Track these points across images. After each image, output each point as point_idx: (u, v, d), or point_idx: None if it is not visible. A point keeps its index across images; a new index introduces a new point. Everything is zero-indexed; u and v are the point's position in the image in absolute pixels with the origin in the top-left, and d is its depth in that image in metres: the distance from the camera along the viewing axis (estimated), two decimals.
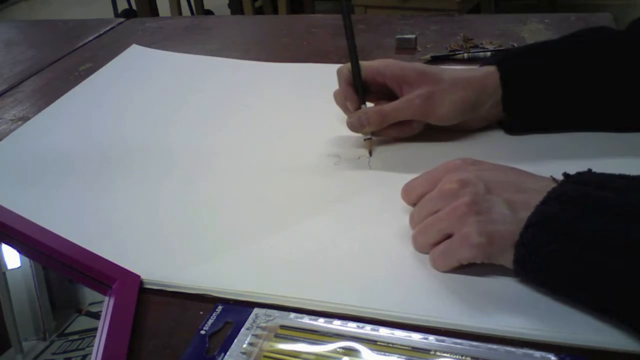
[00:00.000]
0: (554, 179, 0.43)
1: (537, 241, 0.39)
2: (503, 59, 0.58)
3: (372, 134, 0.60)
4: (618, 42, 0.57)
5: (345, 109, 0.60)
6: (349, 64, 0.59)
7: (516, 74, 0.57)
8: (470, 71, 0.59)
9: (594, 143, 0.57)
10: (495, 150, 0.57)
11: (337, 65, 0.61)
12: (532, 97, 0.57)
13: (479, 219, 0.42)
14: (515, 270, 0.41)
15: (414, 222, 0.47)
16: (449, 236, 0.43)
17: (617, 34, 0.59)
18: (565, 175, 0.42)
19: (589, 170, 0.43)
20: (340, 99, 0.61)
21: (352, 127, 0.59)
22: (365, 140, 0.60)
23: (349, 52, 0.59)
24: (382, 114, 0.58)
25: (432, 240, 0.44)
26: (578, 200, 0.39)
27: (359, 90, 0.59)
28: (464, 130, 0.60)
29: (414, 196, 0.48)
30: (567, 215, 0.39)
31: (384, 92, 0.60)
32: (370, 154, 0.59)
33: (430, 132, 0.61)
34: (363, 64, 0.59)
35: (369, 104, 0.60)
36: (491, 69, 0.58)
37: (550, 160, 0.55)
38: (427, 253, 0.45)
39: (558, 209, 0.39)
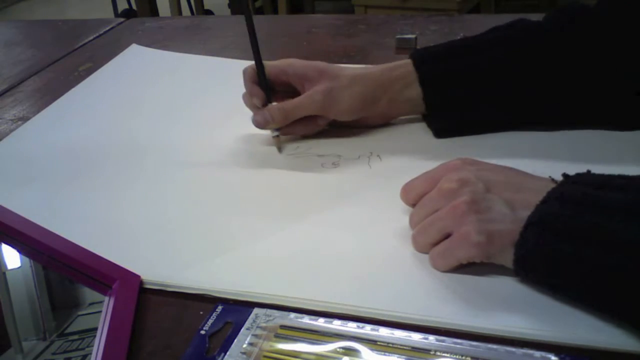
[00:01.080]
0: (552, 180, 0.44)
1: (537, 240, 0.39)
2: (422, 61, 0.60)
3: (280, 131, 0.62)
4: (534, 35, 0.58)
5: (253, 107, 0.62)
6: (253, 64, 0.61)
7: (436, 76, 0.59)
8: (370, 67, 0.62)
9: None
10: (500, 150, 0.57)
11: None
12: (453, 100, 0.59)
13: (478, 218, 0.42)
14: (516, 270, 0.41)
15: (413, 222, 0.47)
16: (448, 236, 0.43)
17: (533, 26, 0.59)
18: (565, 175, 0.42)
19: (588, 171, 0.43)
20: (247, 98, 0.62)
21: (257, 124, 0.61)
22: (273, 137, 0.62)
23: (252, 52, 0.60)
24: (284, 111, 0.60)
25: (431, 240, 0.44)
26: (578, 200, 0.39)
27: (263, 88, 0.61)
28: (365, 127, 0.63)
29: (413, 196, 0.49)
30: (567, 214, 0.39)
31: (290, 91, 0.62)
32: (280, 150, 0.62)
33: (433, 134, 0.61)
34: (267, 63, 0.61)
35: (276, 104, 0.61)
36: (397, 65, 0.60)
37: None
38: (427, 253, 0.45)
39: (558, 208, 0.39)
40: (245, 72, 0.62)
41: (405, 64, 0.60)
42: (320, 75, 0.60)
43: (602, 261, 0.37)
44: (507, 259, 0.41)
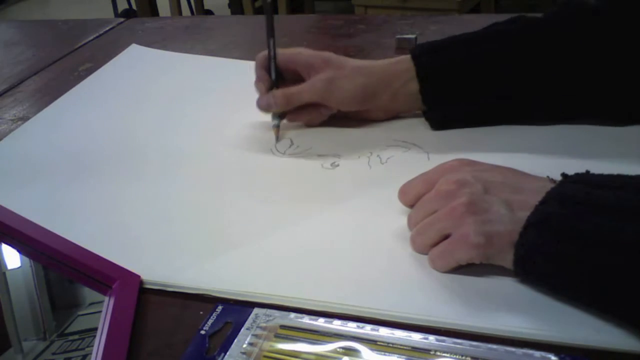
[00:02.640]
0: (550, 179, 0.43)
1: (537, 241, 0.39)
2: (421, 55, 0.61)
3: (284, 118, 0.64)
4: (535, 32, 0.59)
5: (259, 92, 0.64)
6: (266, 51, 0.63)
7: (434, 69, 0.60)
8: (376, 61, 0.63)
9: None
10: (502, 145, 0.57)
11: None
12: (450, 93, 0.60)
13: (477, 219, 0.42)
14: (515, 271, 0.41)
15: (411, 223, 0.47)
16: (446, 237, 0.43)
17: (533, 21, 0.60)
18: (564, 175, 0.42)
19: (587, 171, 0.43)
20: (256, 83, 0.64)
21: (260, 107, 0.63)
22: (273, 127, 0.63)
23: (266, 37, 0.62)
24: (286, 96, 0.62)
25: (430, 241, 0.44)
26: (577, 200, 0.39)
27: (271, 74, 0.63)
28: (368, 120, 0.64)
29: (411, 197, 0.48)
30: (566, 214, 0.39)
31: (299, 80, 0.63)
32: (277, 139, 0.63)
33: (432, 133, 0.61)
34: (277, 51, 0.63)
35: None
36: (401, 60, 0.61)
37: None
38: (425, 254, 0.45)
39: (557, 208, 0.39)
40: (257, 58, 0.64)
41: (407, 58, 0.61)
42: (325, 65, 0.61)
43: (602, 261, 0.37)
44: (506, 259, 0.41)
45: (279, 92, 0.62)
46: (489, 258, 0.42)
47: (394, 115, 0.64)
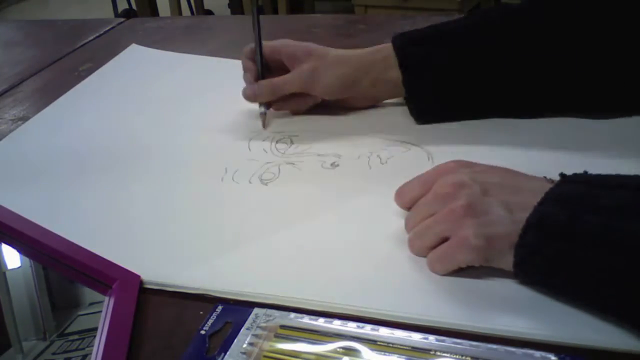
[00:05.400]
0: (548, 180, 0.43)
1: (536, 242, 0.39)
2: (402, 44, 0.62)
3: (270, 107, 0.67)
4: (516, 20, 0.60)
5: (246, 82, 0.66)
6: (253, 44, 0.65)
7: (416, 61, 0.61)
8: (356, 50, 0.65)
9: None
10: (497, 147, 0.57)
11: None
12: (433, 86, 0.61)
13: (477, 221, 0.41)
14: (516, 273, 0.41)
15: (409, 226, 0.46)
16: (445, 239, 0.43)
17: (512, 10, 0.60)
18: (562, 175, 0.42)
19: (585, 172, 0.43)
20: (244, 74, 0.67)
21: (246, 96, 0.66)
22: (260, 113, 0.66)
23: (253, 29, 0.64)
24: (271, 85, 0.65)
25: (428, 244, 0.44)
26: (576, 200, 0.39)
27: (257, 64, 0.65)
28: (352, 108, 0.67)
29: (407, 200, 0.48)
30: (565, 215, 0.38)
31: (283, 71, 0.65)
32: (264, 126, 0.66)
33: (432, 134, 0.61)
34: (264, 43, 0.65)
35: None
36: (380, 48, 0.63)
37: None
38: (424, 256, 0.44)
39: (556, 209, 0.39)
40: (244, 50, 0.67)
41: (386, 47, 0.63)
42: (308, 55, 0.64)
43: (602, 262, 0.37)
44: (506, 262, 0.41)
45: (264, 82, 0.65)
46: (488, 261, 0.41)
47: (375, 103, 0.67)
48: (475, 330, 0.39)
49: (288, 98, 0.66)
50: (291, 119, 0.68)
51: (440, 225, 0.43)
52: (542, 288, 0.40)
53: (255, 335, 0.39)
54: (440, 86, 0.61)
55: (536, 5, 0.60)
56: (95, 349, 0.39)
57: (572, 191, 0.40)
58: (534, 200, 0.40)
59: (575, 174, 0.42)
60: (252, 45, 0.65)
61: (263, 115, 0.66)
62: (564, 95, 0.59)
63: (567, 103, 0.59)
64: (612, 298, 0.37)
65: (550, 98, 0.60)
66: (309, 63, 0.63)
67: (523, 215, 0.40)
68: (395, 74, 0.62)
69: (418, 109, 0.63)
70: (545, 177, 0.44)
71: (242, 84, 0.66)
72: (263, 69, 0.65)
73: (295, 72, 0.64)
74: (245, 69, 0.66)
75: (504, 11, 0.60)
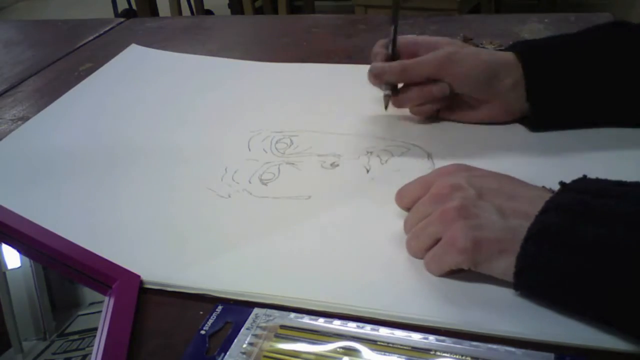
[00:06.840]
0: (547, 189, 0.43)
1: (537, 253, 0.38)
2: (524, 51, 0.58)
3: (396, 91, 0.61)
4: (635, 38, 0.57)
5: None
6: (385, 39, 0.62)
7: (540, 67, 0.57)
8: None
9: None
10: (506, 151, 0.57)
11: (338, 65, 0.62)
12: (557, 93, 0.57)
13: (467, 223, 0.41)
14: (515, 284, 0.40)
15: (407, 227, 0.46)
16: (439, 240, 0.43)
17: (636, 28, 0.58)
18: (562, 183, 0.42)
19: (584, 176, 0.42)
20: (373, 56, 0.63)
21: (374, 74, 0.61)
22: (384, 96, 0.61)
23: (392, 13, 0.63)
24: (403, 65, 0.59)
25: (423, 245, 0.44)
26: (577, 209, 0.38)
27: (393, 48, 0.61)
28: (474, 121, 0.61)
29: (407, 201, 0.48)
30: (567, 224, 0.38)
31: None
32: (386, 108, 0.61)
33: (432, 134, 0.61)
34: (400, 36, 0.62)
35: None
36: (510, 56, 0.58)
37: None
38: (421, 258, 0.44)
39: (558, 218, 0.38)
40: (378, 41, 0.64)
41: (511, 55, 0.59)
42: (448, 43, 0.60)
43: (605, 274, 0.36)
44: (496, 268, 0.40)
45: (395, 62, 0.60)
46: (476, 265, 0.40)
47: (503, 118, 0.60)
48: (476, 330, 0.39)
49: (413, 91, 0.60)
50: (291, 119, 0.67)
51: (433, 226, 0.43)
52: (543, 300, 0.39)
53: (255, 335, 0.39)
54: (564, 95, 0.57)
55: None
56: (95, 349, 0.39)
57: (573, 200, 0.39)
58: (530, 207, 0.40)
59: (574, 182, 0.41)
60: (385, 39, 0.63)
61: (387, 97, 0.61)
62: None
63: None
64: (617, 311, 0.36)
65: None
66: (448, 48, 0.59)
67: (517, 222, 0.40)
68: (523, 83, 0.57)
69: (539, 118, 0.58)
70: (544, 186, 0.44)
71: (242, 84, 0.66)
72: (395, 52, 0.61)
73: (431, 54, 0.59)
74: (374, 55, 0.62)
75: (628, 27, 0.58)
